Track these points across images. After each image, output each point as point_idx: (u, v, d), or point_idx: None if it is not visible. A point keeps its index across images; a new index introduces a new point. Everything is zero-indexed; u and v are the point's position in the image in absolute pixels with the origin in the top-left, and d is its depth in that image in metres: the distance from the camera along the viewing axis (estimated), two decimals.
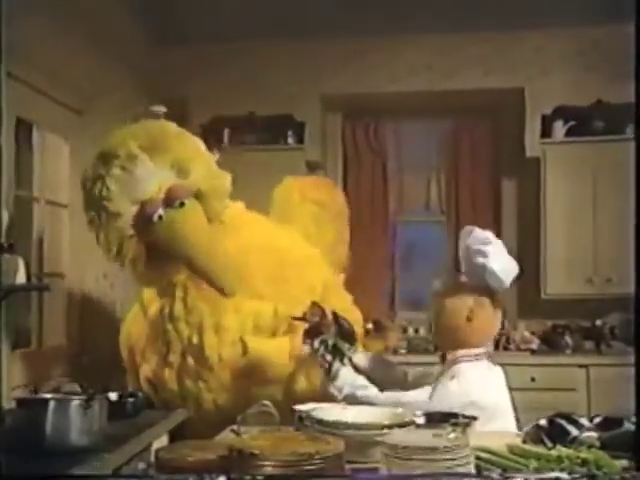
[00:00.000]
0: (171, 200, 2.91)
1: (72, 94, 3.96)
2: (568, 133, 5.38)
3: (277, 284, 3.29)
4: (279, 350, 3.21)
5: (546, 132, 5.39)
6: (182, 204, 2.93)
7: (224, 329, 3.18)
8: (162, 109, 2.99)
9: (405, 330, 5.62)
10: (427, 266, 5.73)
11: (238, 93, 5.40)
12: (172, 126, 3.08)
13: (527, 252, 5.52)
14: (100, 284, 4.37)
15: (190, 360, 3.19)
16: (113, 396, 2.94)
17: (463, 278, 2.71)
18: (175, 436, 3.08)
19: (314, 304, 2.88)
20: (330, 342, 2.76)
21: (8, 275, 2.74)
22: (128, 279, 4.65)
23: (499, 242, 2.68)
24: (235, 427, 2.30)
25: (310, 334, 2.80)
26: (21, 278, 2.85)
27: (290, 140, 5.57)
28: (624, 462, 1.79)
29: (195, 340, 3.17)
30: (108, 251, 2.99)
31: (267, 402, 2.47)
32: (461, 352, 2.60)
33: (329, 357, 2.73)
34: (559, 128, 5.38)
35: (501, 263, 2.62)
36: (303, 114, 5.51)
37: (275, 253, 3.38)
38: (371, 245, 5.77)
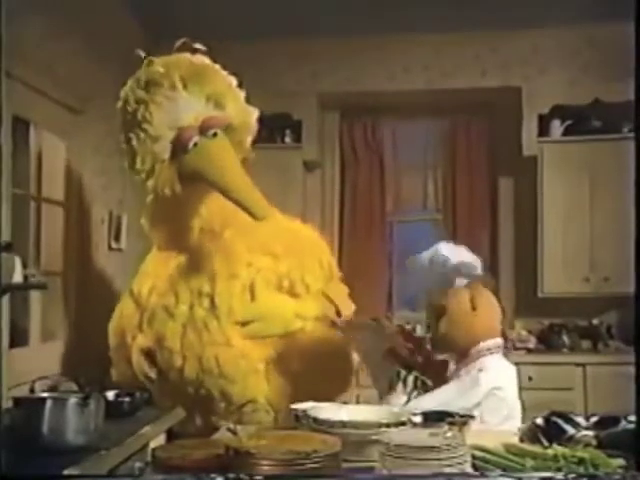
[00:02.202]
0: (206, 129, 3.08)
1: (69, 93, 3.95)
2: (565, 132, 5.39)
3: (291, 249, 3.41)
4: (285, 305, 3.30)
5: (543, 131, 5.39)
6: (215, 134, 3.10)
7: (236, 278, 3.25)
8: (203, 47, 3.19)
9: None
10: None
11: None
12: (210, 62, 3.23)
13: (524, 251, 5.55)
14: (99, 280, 4.36)
15: (198, 310, 3.21)
16: (110, 395, 2.94)
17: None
18: (172, 435, 3.08)
19: (408, 332, 2.97)
20: (415, 376, 2.79)
21: (5, 274, 2.74)
22: (127, 274, 4.67)
23: (443, 244, 2.79)
24: (232, 426, 2.30)
25: (398, 361, 2.85)
26: (18, 277, 2.84)
27: (287, 139, 5.57)
28: (620, 461, 1.79)
29: (207, 289, 3.22)
30: (140, 172, 3.12)
31: (263, 401, 2.48)
32: (485, 344, 2.63)
33: (409, 389, 2.75)
34: (556, 127, 5.38)
35: (461, 255, 2.70)
36: (301, 113, 5.50)
37: (290, 229, 3.53)
38: (368, 244, 5.78)
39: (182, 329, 3.22)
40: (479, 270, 2.75)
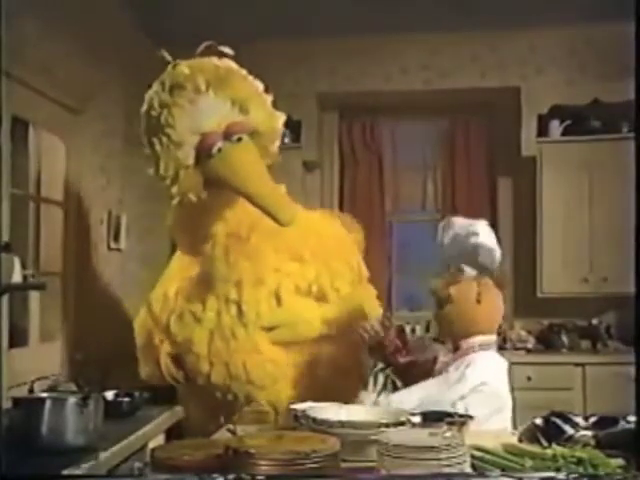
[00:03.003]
0: (230, 134, 3.04)
1: (69, 94, 3.95)
2: (564, 132, 5.39)
3: (318, 254, 3.35)
4: (311, 309, 3.26)
5: (542, 131, 5.40)
6: (240, 139, 3.07)
7: (262, 284, 3.21)
8: (230, 51, 3.15)
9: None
10: (423, 265, 5.72)
11: None
12: (236, 66, 3.21)
13: (523, 251, 5.55)
14: (98, 280, 4.37)
15: (225, 318, 3.18)
16: (109, 395, 2.94)
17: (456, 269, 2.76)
18: (171, 435, 3.08)
19: (401, 330, 2.98)
20: (387, 374, 2.78)
21: (4, 274, 2.74)
22: (127, 274, 4.67)
23: (483, 222, 2.78)
24: (232, 426, 2.30)
25: (380, 354, 2.84)
26: (17, 277, 2.84)
27: (287, 139, 5.55)
28: (619, 461, 1.79)
29: (233, 296, 3.18)
30: (164, 179, 3.07)
31: (262, 402, 2.48)
32: (477, 339, 2.63)
33: (379, 387, 2.75)
34: (555, 127, 5.39)
35: (491, 239, 2.71)
36: (300, 113, 5.50)
37: (317, 232, 3.47)
38: (367, 244, 5.77)
39: (209, 335, 3.18)
40: (495, 263, 2.74)
